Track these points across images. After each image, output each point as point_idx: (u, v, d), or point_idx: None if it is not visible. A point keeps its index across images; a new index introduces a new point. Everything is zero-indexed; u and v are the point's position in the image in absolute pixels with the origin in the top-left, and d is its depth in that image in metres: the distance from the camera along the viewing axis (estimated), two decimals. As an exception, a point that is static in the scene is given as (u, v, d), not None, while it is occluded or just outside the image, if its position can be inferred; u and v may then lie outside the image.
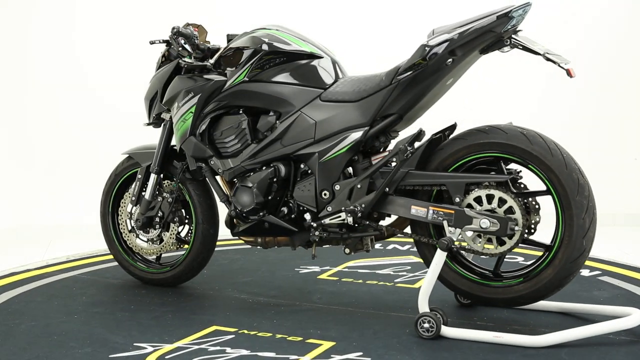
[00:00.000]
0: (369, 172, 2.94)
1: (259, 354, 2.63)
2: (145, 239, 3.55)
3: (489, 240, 2.83)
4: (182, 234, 3.54)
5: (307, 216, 3.11)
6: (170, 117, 3.41)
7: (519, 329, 2.83)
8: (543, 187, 2.83)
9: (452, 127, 3.03)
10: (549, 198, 2.81)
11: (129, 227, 3.60)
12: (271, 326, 2.93)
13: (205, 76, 3.23)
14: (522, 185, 2.88)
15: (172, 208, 3.45)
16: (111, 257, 4.19)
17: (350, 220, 2.98)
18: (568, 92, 5.07)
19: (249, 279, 3.71)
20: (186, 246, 3.53)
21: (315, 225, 3.06)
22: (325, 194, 3.03)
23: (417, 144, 2.93)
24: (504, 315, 3.02)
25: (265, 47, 3.07)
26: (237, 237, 3.30)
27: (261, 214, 3.13)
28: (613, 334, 2.71)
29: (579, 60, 4.60)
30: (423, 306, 2.81)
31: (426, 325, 2.75)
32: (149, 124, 3.54)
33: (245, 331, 2.88)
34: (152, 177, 3.47)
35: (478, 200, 2.82)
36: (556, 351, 2.60)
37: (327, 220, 3.03)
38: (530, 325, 2.88)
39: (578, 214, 2.71)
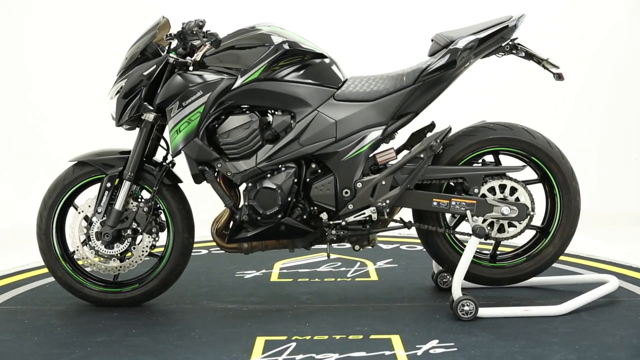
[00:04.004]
0: (394, 168, 3.05)
1: (351, 354, 2.60)
2: (108, 256, 3.15)
3: (501, 227, 3.14)
4: (144, 245, 3.21)
5: (323, 215, 3.09)
6: (157, 118, 3.10)
7: (518, 303, 3.17)
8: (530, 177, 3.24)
9: (431, 126, 3.26)
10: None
11: (84, 244, 3.17)
12: (314, 329, 2.88)
13: (208, 74, 3.01)
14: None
15: (149, 218, 3.13)
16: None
17: (375, 216, 3.05)
18: (568, 93, 5.06)
19: (207, 289, 3.51)
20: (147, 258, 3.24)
21: (334, 223, 3.07)
22: (346, 192, 3.05)
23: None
24: (493, 294, 3.34)
25: (286, 45, 2.98)
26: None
27: (279, 216, 3.04)
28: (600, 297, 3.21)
29: (578, 60, 4.98)
30: (458, 291, 3.01)
31: (466, 308, 2.97)
32: (122, 126, 3.15)
33: (298, 337, 2.79)
34: (126, 185, 3.11)
35: (491, 190, 3.11)
36: (578, 315, 3.01)
37: (350, 218, 3.06)
38: (526, 299, 3.24)
39: (574, 197, 3.17)
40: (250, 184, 3.05)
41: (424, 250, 4.26)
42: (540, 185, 3.26)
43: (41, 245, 3.21)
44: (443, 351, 2.63)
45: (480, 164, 3.21)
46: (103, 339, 2.81)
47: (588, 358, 2.53)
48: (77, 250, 3.18)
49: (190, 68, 3.10)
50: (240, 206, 3.10)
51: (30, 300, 3.35)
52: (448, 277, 3.42)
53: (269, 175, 3.03)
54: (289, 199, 3.03)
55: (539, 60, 3.12)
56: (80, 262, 3.25)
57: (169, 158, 3.20)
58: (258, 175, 3.04)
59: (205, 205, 3.84)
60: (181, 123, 2.99)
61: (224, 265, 3.98)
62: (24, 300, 3.35)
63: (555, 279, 3.47)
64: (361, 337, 2.79)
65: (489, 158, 3.24)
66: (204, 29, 3.00)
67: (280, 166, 3.03)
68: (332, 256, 4.18)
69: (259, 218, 3.04)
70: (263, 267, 3.93)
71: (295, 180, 3.04)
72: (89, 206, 3.17)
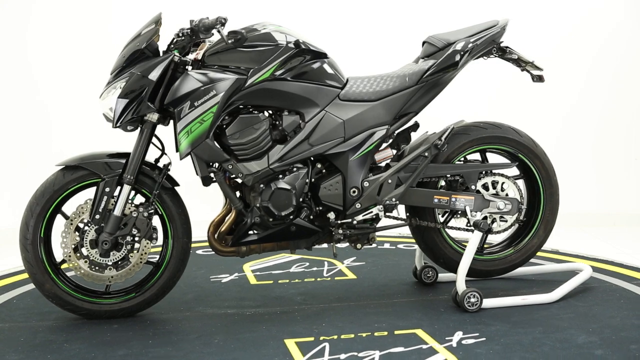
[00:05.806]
0: (399, 166, 3.11)
1: (391, 350, 2.63)
2: (104, 264, 2.98)
3: (493, 221, 3.29)
4: (143, 251, 3.07)
5: (330, 215, 3.10)
6: (159, 119, 2.96)
7: (505, 294, 3.33)
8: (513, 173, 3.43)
9: (415, 126, 3.36)
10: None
11: (78, 253, 2.98)
12: (334, 329, 2.88)
13: (219, 74, 2.92)
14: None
15: (150, 224, 3.00)
16: None
17: (382, 214, 3.10)
18: (569, 93, 5.09)
19: (192, 295, 3.40)
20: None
21: (342, 222, 3.09)
22: (354, 192, 3.08)
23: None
24: (479, 286, 3.48)
25: (295, 45, 2.96)
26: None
27: (291, 217, 3.01)
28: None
29: (578, 60, 5.04)
30: (462, 285, 3.12)
31: (473, 299, 3.09)
32: (121, 127, 2.96)
33: (325, 337, 2.79)
34: (126, 189, 2.95)
35: (484, 186, 3.26)
36: (568, 302, 3.21)
37: (360, 217, 3.09)
38: (512, 289, 3.40)
39: (556, 192, 3.38)
40: (262, 186, 2.99)
41: (379, 247, 4.44)
42: (521, 181, 3.45)
43: (27, 256, 2.98)
44: (475, 341, 2.72)
45: (462, 162, 3.34)
46: (124, 352, 2.65)
47: (608, 339, 2.72)
48: (69, 259, 2.98)
49: (189, 67, 3.00)
50: (250, 208, 3.04)
51: (8, 318, 3.08)
52: (431, 272, 3.53)
53: (280, 177, 3.00)
54: (300, 199, 3.02)
55: (520, 64, 3.30)
56: (64, 266, 3.04)
57: (165, 160, 3.08)
58: (269, 176, 2.99)
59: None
60: (193, 123, 2.88)
61: (191, 269, 3.84)
62: (1, 317, 3.08)
63: (529, 269, 3.67)
64: (386, 333, 2.83)
65: (471, 157, 3.38)
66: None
67: (292, 166, 3.01)
68: (296, 257, 4.18)
69: (271, 220, 2.99)
70: (234, 271, 3.85)
71: (308, 180, 3.03)
72: (82, 213, 2.98)
